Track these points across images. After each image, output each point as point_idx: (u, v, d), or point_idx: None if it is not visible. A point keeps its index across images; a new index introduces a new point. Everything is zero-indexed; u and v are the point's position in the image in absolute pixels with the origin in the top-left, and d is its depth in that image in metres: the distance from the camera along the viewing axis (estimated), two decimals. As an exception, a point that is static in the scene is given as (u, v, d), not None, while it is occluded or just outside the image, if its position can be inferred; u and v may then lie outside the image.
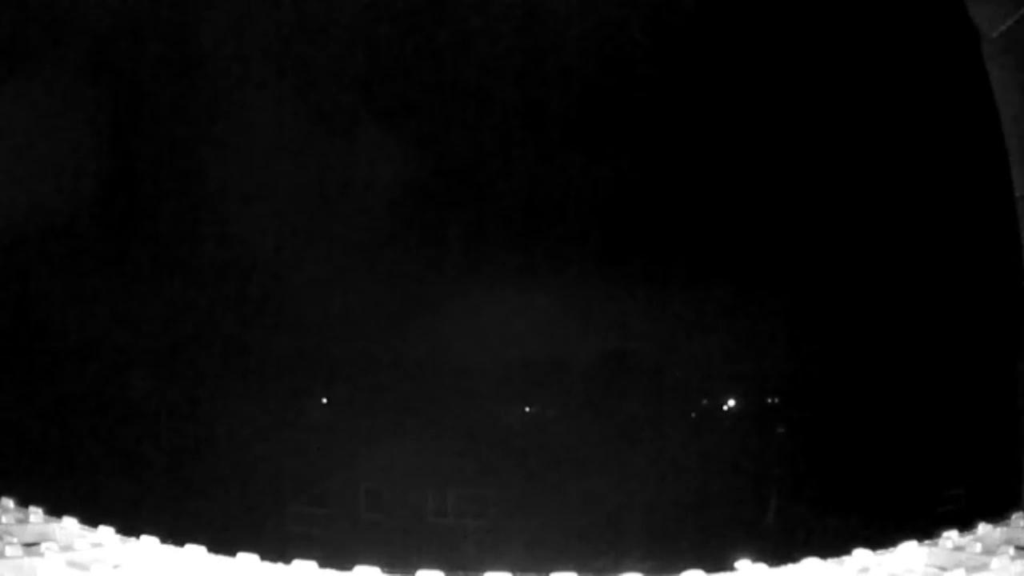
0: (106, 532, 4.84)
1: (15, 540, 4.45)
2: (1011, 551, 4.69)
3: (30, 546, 4.46)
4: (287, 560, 4.55)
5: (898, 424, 10.45)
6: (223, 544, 4.69)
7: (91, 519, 4.95)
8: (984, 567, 4.56)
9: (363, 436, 11.13)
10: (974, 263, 9.76)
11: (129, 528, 4.86)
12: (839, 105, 10.98)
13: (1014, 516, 5.31)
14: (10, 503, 5.11)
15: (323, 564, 4.57)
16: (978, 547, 4.81)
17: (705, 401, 12.08)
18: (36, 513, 4.97)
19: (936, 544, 4.91)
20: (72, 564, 4.39)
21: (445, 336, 11.81)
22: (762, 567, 4.65)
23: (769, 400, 12.02)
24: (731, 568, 4.70)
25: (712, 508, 10.53)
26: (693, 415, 12.02)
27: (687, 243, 11.64)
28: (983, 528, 5.11)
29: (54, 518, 4.97)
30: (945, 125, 10.06)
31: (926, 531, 5.01)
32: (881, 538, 4.97)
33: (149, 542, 4.72)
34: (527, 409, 12.14)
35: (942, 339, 10.42)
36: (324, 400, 11.95)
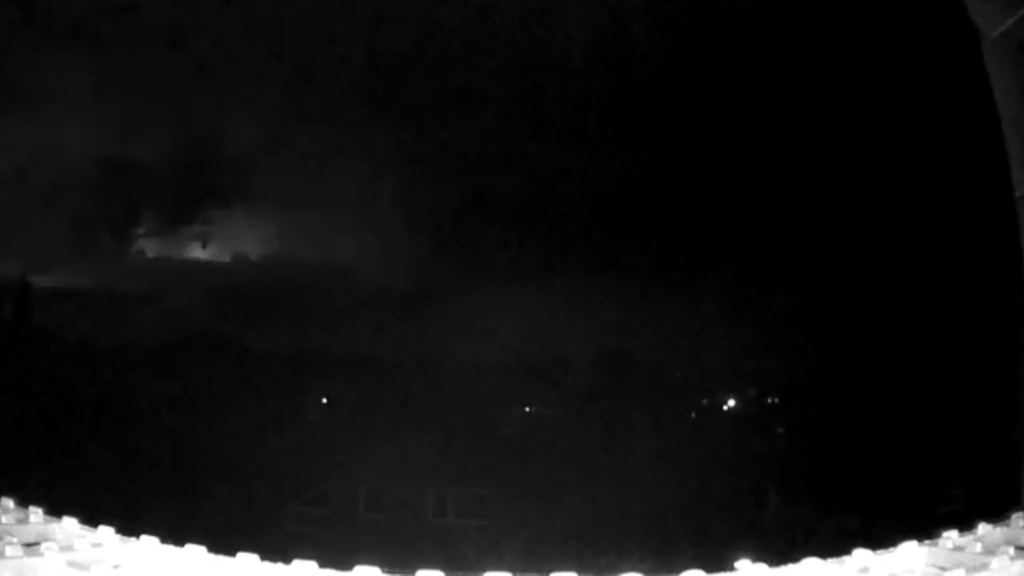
0: (106, 532, 4.84)
1: (15, 540, 4.45)
2: (1011, 551, 4.70)
3: (30, 546, 4.46)
4: (287, 560, 4.56)
5: (898, 424, 10.45)
6: (223, 544, 4.69)
7: (91, 519, 4.95)
8: (984, 567, 4.56)
9: (363, 436, 11.13)
10: (974, 263, 9.76)
11: (129, 528, 4.86)
12: (839, 105, 10.98)
13: (1014, 516, 5.31)
14: (10, 503, 5.11)
15: (323, 564, 4.58)
16: (978, 547, 4.81)
17: (705, 401, 12.09)
18: (36, 513, 4.97)
19: (936, 544, 4.92)
20: (72, 564, 4.39)
21: (445, 336, 11.81)
22: (762, 567, 4.65)
23: (769, 400, 12.02)
24: (731, 568, 4.70)
25: (712, 508, 10.53)
26: (693, 415, 12.02)
27: (687, 243, 11.64)
28: (983, 528, 5.11)
29: (54, 518, 4.97)
30: (945, 125, 10.06)
31: (926, 531, 5.01)
32: (881, 538, 4.97)
33: (149, 542, 4.72)
34: (527, 409, 12.14)
35: (942, 339, 10.42)
36: (324, 400, 11.96)
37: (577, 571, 4.51)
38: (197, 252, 12.30)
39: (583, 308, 11.68)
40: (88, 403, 11.12)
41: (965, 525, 5.12)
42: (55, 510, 5.06)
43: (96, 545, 4.74)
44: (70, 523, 4.97)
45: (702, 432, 11.68)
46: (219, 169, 11.94)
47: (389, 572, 4.55)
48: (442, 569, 4.51)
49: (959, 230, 10.14)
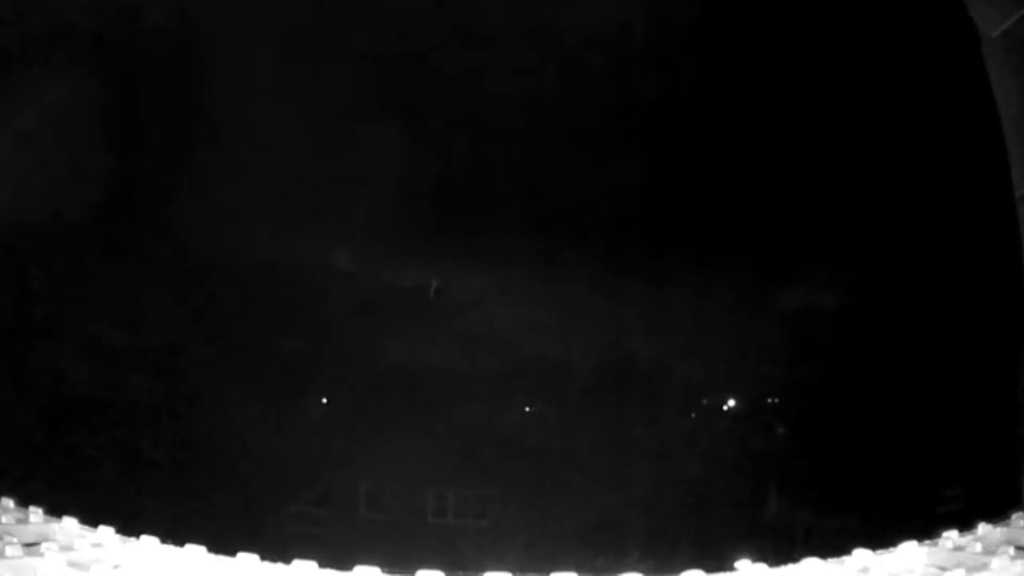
0: (106, 532, 4.85)
1: (15, 540, 4.45)
2: (1011, 551, 4.70)
3: (30, 546, 4.46)
4: (287, 560, 4.56)
5: (898, 424, 10.45)
6: (223, 544, 4.69)
7: (91, 519, 4.95)
8: (984, 567, 4.57)
9: (363, 436, 11.12)
10: (974, 263, 9.76)
11: (129, 528, 4.86)
12: (840, 105, 10.98)
13: (1014, 516, 5.31)
14: (10, 503, 5.12)
15: (323, 564, 4.58)
16: (978, 547, 4.82)
17: (705, 401, 12.08)
18: (36, 513, 4.97)
19: (936, 544, 4.92)
20: (72, 564, 4.40)
21: (446, 336, 11.81)
22: (762, 567, 4.66)
23: (769, 400, 12.01)
24: (731, 568, 4.71)
25: (712, 508, 10.53)
26: (693, 415, 12.01)
27: (688, 243, 11.64)
28: (983, 528, 5.12)
29: (54, 518, 4.97)
30: (945, 125, 10.06)
31: (926, 531, 5.01)
32: (881, 538, 4.97)
33: (149, 542, 4.73)
34: (527, 409, 12.13)
35: (942, 338, 10.42)
36: (324, 400, 11.95)
37: (577, 571, 4.52)
38: (196, 250, 12.29)
39: (584, 308, 11.68)
40: (88, 403, 11.12)
41: (965, 525, 5.13)
42: (55, 510, 5.06)
43: (96, 545, 4.74)
44: (70, 523, 4.98)
45: (702, 432, 11.67)
46: (219, 164, 11.93)
47: (389, 572, 4.56)
48: (442, 569, 4.52)
49: (959, 229, 10.14)
